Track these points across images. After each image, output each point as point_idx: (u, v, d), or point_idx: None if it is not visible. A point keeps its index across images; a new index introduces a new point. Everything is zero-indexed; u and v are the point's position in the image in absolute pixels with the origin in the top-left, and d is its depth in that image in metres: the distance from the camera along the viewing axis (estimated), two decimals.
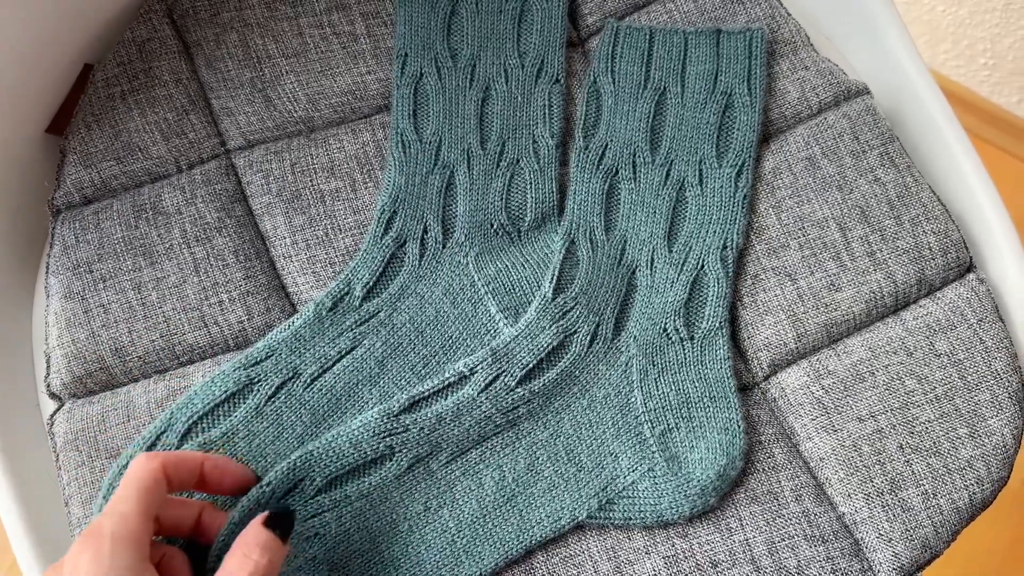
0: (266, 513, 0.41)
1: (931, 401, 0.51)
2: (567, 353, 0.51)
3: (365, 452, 0.47)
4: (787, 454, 0.51)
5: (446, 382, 0.49)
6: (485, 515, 0.48)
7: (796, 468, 0.50)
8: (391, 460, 0.47)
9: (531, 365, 0.50)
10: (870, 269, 0.54)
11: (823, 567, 0.48)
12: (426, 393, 0.49)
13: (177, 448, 0.48)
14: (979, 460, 0.50)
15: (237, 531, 0.41)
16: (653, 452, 0.49)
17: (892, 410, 0.51)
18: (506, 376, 0.49)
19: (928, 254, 0.54)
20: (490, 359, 0.50)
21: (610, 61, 0.58)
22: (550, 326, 0.51)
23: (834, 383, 0.52)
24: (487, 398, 0.49)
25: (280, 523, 0.41)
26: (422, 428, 0.48)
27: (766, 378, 0.53)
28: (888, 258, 0.54)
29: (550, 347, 0.51)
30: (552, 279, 0.52)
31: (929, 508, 0.49)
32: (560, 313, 0.52)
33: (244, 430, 0.49)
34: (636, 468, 0.49)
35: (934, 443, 0.50)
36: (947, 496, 0.49)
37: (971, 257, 0.55)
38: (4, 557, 0.94)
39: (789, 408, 0.52)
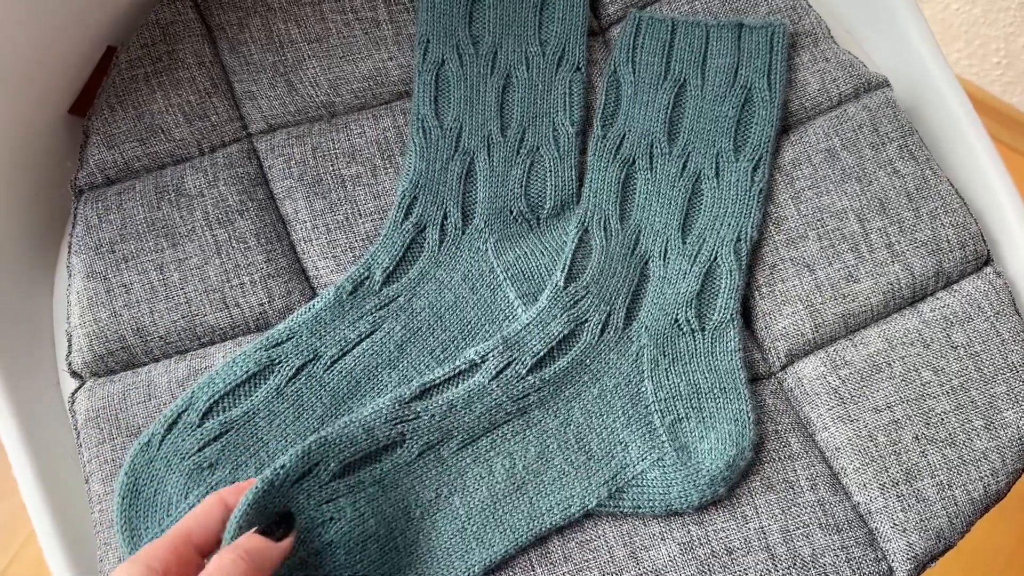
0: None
1: (947, 393, 0.51)
2: (578, 342, 0.51)
3: (377, 438, 0.47)
4: (803, 443, 0.51)
5: (457, 369, 0.49)
6: (495, 502, 0.48)
7: (812, 457, 0.51)
8: (402, 447, 0.47)
9: (542, 353, 0.50)
10: (888, 261, 0.54)
11: (837, 556, 0.48)
12: (437, 380, 0.49)
13: (199, 427, 0.48)
14: (994, 452, 0.50)
15: (251, 512, 0.42)
16: (663, 442, 0.50)
17: (908, 401, 0.51)
18: (517, 364, 0.50)
19: (946, 247, 0.54)
20: (501, 346, 0.50)
21: (631, 51, 0.58)
22: (561, 314, 0.51)
23: (851, 373, 0.52)
24: (498, 385, 0.49)
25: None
26: (433, 415, 0.48)
27: (783, 368, 0.53)
28: (906, 250, 0.54)
29: (561, 335, 0.51)
30: (564, 267, 0.53)
31: (944, 499, 0.49)
32: (571, 302, 0.52)
33: (265, 410, 0.49)
34: (646, 457, 0.49)
35: (950, 434, 0.50)
36: (962, 487, 0.50)
37: (989, 250, 0.56)
38: (13, 540, 0.95)
39: (805, 398, 0.52)
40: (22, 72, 0.53)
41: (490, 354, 0.50)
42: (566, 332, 0.51)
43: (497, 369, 0.49)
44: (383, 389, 0.51)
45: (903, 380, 0.51)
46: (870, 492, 0.49)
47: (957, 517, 0.49)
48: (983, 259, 0.55)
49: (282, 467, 0.44)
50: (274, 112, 0.58)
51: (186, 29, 0.58)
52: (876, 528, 0.49)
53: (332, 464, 0.45)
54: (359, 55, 0.59)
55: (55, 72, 0.56)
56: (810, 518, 0.49)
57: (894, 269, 0.54)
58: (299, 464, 0.44)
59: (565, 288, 0.52)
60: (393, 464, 0.47)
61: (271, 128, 0.58)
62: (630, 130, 0.57)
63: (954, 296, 0.54)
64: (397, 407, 0.48)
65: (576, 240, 0.54)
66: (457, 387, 0.49)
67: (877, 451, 0.50)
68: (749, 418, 0.50)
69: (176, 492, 0.48)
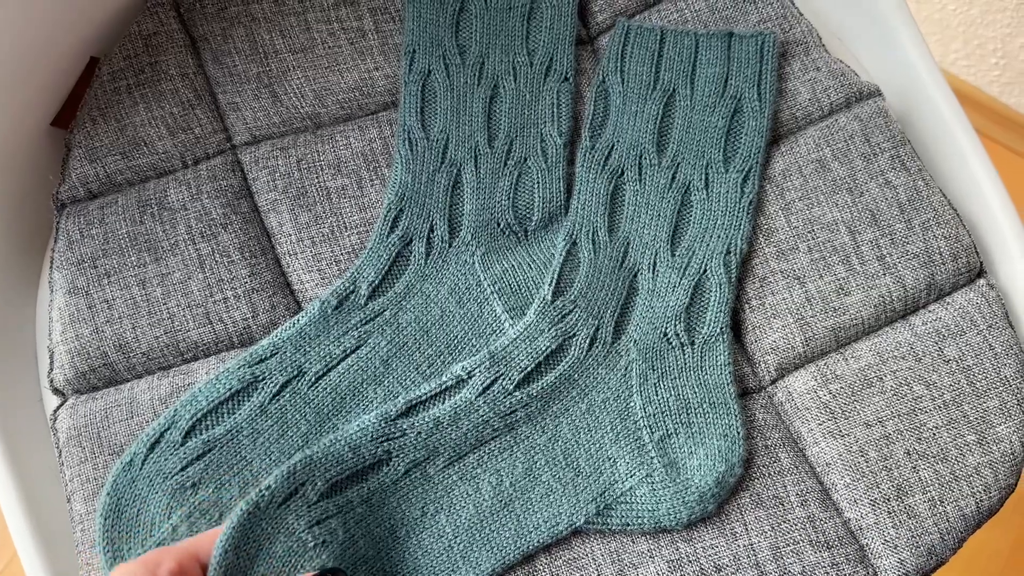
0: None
1: (939, 407, 0.51)
2: (566, 356, 0.51)
3: (363, 457, 0.46)
4: (793, 458, 0.50)
5: (443, 386, 0.49)
6: (482, 520, 0.48)
7: (802, 473, 0.50)
8: (388, 465, 0.47)
9: (529, 369, 0.50)
10: (879, 273, 0.53)
11: (828, 573, 0.48)
12: (423, 397, 0.48)
13: (182, 445, 0.48)
14: (986, 467, 0.50)
15: (236, 535, 0.41)
16: (652, 458, 0.49)
17: (900, 416, 0.50)
18: (504, 380, 0.49)
19: (938, 259, 0.54)
20: (488, 362, 0.49)
21: (620, 61, 0.58)
22: (549, 329, 0.51)
23: (842, 388, 0.51)
24: (485, 402, 0.49)
25: None
26: (419, 432, 0.47)
27: (773, 382, 0.53)
28: (898, 262, 0.54)
29: (548, 350, 0.50)
30: (552, 281, 0.52)
31: (935, 515, 0.49)
32: (559, 316, 0.51)
33: (248, 428, 0.49)
34: (634, 474, 0.49)
35: (941, 449, 0.50)
36: (954, 503, 0.49)
37: (981, 262, 0.55)
38: (3, 552, 0.94)
39: (796, 412, 0.51)
40: (3, 84, 0.53)
41: (477, 369, 0.49)
42: (554, 347, 0.51)
43: (484, 385, 0.49)
44: (368, 405, 0.50)
45: (894, 394, 0.51)
46: (861, 508, 0.49)
47: (949, 533, 0.49)
48: (976, 271, 0.55)
49: (267, 488, 0.43)
50: (258, 123, 0.57)
51: (169, 40, 0.58)
52: (867, 545, 0.49)
53: (319, 483, 0.45)
54: (344, 65, 0.58)
55: (37, 84, 0.56)
56: (800, 535, 0.48)
57: (886, 282, 0.53)
58: (284, 485, 0.44)
59: (553, 302, 0.52)
60: (379, 483, 0.47)
61: (255, 140, 0.57)
62: (619, 141, 0.56)
63: (946, 309, 0.53)
64: (383, 424, 0.47)
65: (564, 253, 0.53)
66: (443, 403, 0.48)
67: (868, 466, 0.49)
68: (739, 433, 0.50)
69: (159, 512, 0.47)
